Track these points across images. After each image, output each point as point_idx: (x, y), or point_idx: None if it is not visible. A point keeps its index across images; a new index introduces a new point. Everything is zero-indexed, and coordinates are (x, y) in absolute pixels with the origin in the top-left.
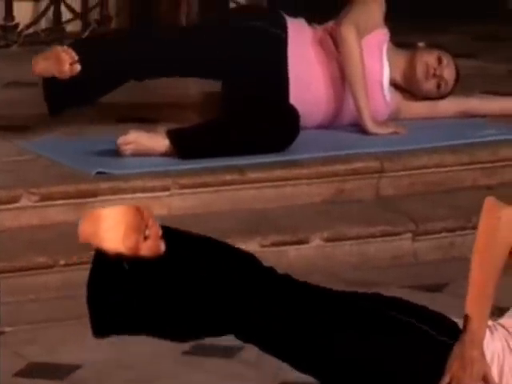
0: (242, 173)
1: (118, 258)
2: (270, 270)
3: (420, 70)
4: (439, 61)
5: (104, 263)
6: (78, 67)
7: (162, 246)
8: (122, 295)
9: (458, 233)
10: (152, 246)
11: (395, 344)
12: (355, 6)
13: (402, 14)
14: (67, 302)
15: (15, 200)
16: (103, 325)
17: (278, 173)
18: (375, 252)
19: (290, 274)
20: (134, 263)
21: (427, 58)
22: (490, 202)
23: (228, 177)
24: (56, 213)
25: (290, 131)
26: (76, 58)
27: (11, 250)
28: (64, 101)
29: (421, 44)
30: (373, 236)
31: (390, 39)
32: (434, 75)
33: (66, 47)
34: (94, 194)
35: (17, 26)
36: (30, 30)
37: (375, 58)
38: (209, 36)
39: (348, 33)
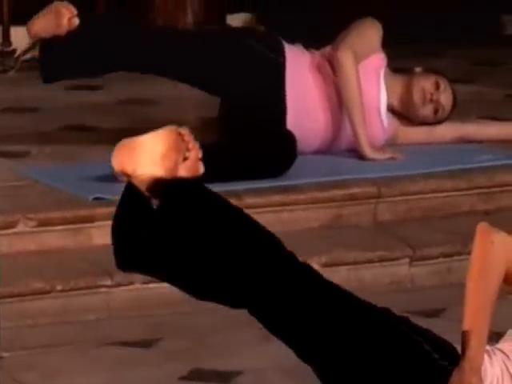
0: (239, 198)
1: (149, 194)
2: (294, 256)
3: (417, 96)
4: (436, 86)
5: (133, 198)
6: (76, 21)
7: (201, 168)
8: (147, 232)
9: (455, 258)
10: (191, 166)
11: (402, 359)
12: (352, 31)
13: (400, 39)
14: (65, 328)
15: (12, 225)
16: (126, 258)
17: (276, 198)
18: (372, 277)
19: (310, 265)
20: (164, 203)
21: (424, 83)
22: (482, 227)
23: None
24: (53, 238)
25: (287, 156)
26: (75, 12)
27: (8, 276)
28: (58, 69)
29: (418, 69)
30: (370, 261)
31: (388, 64)
32: (431, 100)
33: (66, 3)
34: (92, 220)
35: (14, 51)
36: (28, 56)
37: (372, 83)
38: (208, 42)
39: (345, 58)
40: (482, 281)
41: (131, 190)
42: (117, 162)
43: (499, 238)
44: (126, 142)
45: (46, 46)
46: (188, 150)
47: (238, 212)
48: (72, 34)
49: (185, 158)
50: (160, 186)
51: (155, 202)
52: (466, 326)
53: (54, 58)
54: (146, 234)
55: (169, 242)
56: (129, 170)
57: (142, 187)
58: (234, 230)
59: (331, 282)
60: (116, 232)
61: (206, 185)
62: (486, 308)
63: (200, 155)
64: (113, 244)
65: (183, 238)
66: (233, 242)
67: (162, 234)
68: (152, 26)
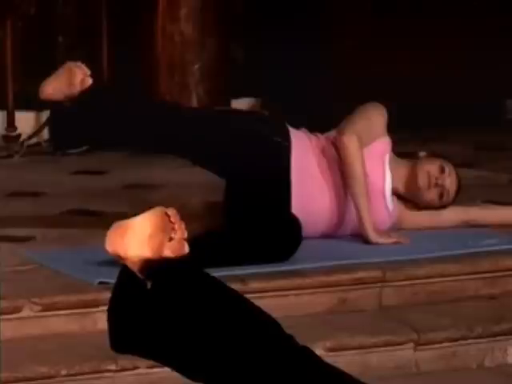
0: (244, 283)
1: (142, 276)
2: (293, 340)
3: (422, 180)
4: (441, 170)
5: (128, 279)
6: (89, 80)
7: (186, 248)
8: (141, 314)
9: (460, 342)
10: (176, 246)
11: None
12: (357, 115)
13: (404, 124)
14: None
15: (18, 310)
16: (121, 340)
17: (281, 283)
18: (377, 362)
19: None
20: (155, 285)
21: (429, 168)
22: None
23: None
24: (58, 323)
25: (292, 241)
26: (88, 72)
27: (13, 360)
28: (70, 137)
29: (422, 153)
30: (375, 346)
31: (392, 149)
32: (436, 184)
33: (79, 63)
34: (97, 304)
35: (19, 136)
36: (33, 141)
37: (377, 167)
38: (217, 125)
39: (350, 142)
40: None
41: (126, 271)
42: (110, 245)
43: None
44: (117, 224)
45: (57, 113)
46: (174, 230)
47: (233, 295)
48: (83, 103)
49: (170, 239)
50: (151, 267)
51: (149, 284)
52: None
53: (64, 127)
54: (141, 316)
55: (163, 324)
56: (121, 252)
57: (135, 269)
58: (228, 312)
59: (334, 367)
60: (112, 314)
61: (210, 269)
62: None
63: (185, 235)
64: (108, 326)
65: (177, 321)
66: (227, 324)
67: (156, 316)
68: (164, 102)
